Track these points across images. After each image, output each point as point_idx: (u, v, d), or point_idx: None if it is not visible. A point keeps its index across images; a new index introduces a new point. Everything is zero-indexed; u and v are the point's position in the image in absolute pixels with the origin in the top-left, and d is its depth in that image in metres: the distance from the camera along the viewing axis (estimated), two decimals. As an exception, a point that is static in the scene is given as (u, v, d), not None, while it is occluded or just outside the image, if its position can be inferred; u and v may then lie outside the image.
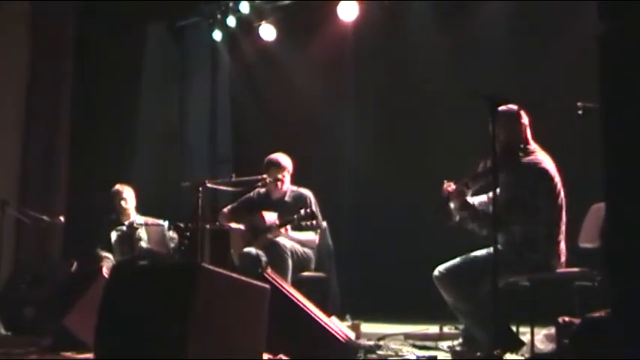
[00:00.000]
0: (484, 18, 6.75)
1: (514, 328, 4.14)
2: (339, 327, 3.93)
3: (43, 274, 5.84)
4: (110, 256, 6.05)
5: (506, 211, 3.93)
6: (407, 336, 4.81)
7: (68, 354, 4.23)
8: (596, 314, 2.97)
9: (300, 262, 5.32)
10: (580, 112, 3.85)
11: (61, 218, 6.43)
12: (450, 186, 4.09)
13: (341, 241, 6.04)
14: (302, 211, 5.17)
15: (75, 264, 5.66)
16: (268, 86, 8.19)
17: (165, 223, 6.05)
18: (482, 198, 4.29)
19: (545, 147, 4.22)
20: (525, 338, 4.02)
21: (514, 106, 4.12)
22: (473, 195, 4.22)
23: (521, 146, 4.14)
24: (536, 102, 4.84)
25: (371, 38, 7.41)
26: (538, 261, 4.00)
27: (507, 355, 3.81)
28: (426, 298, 4.48)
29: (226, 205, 5.95)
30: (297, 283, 4.86)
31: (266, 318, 3.28)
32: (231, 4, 8.07)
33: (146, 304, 3.14)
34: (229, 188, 5.74)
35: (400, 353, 4.10)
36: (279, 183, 5.53)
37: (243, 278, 3.31)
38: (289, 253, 5.19)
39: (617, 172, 2.35)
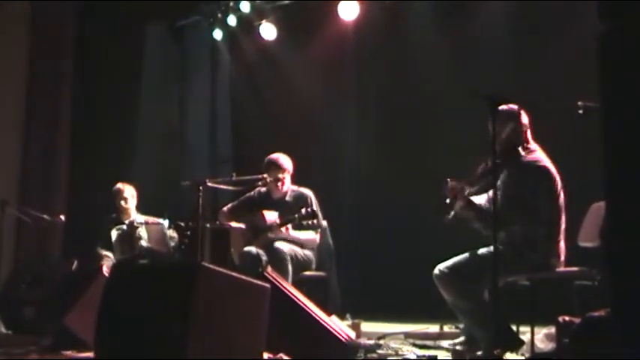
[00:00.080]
0: (484, 18, 6.75)
1: (514, 328, 4.14)
2: (340, 326, 3.93)
3: (43, 273, 5.83)
4: (110, 255, 6.05)
5: (507, 210, 3.93)
6: (407, 335, 4.80)
7: (68, 353, 4.23)
8: (596, 313, 2.97)
9: (301, 265, 5.32)
10: (580, 111, 3.85)
11: (62, 217, 6.43)
12: (455, 185, 4.08)
13: (341, 240, 6.04)
14: (303, 210, 5.17)
15: (75, 263, 5.66)
16: (269, 86, 8.19)
17: (166, 222, 6.04)
18: (484, 197, 4.30)
19: (545, 147, 4.23)
20: (525, 337, 4.02)
21: (514, 106, 4.13)
22: (473, 195, 4.22)
23: (522, 146, 4.15)
24: (536, 102, 4.84)
25: (371, 38, 7.41)
26: (538, 260, 4.01)
27: (507, 355, 3.80)
28: (426, 297, 4.49)
29: (226, 204, 5.95)
30: (298, 283, 4.86)
31: (266, 317, 3.28)
32: (231, 4, 8.07)
33: (146, 304, 3.14)
34: (230, 187, 5.74)
35: (400, 352, 4.09)
36: (279, 183, 5.53)
37: (243, 277, 3.31)
38: (289, 258, 5.19)
39: (617, 172, 2.35)
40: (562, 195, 4.09)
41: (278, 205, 5.51)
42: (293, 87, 7.80)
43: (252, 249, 5.29)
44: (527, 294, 4.04)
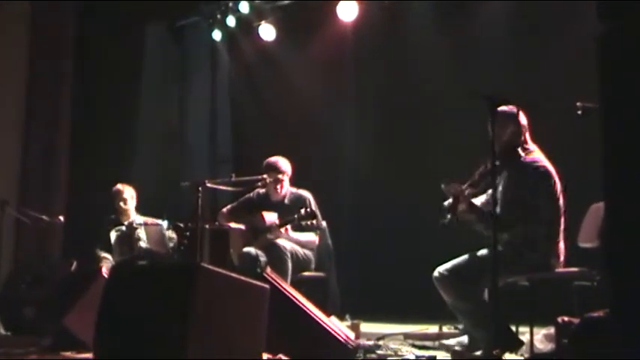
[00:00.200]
0: (484, 18, 6.75)
1: (513, 328, 4.14)
2: (339, 327, 3.93)
3: (43, 274, 5.84)
4: (109, 257, 6.04)
5: (507, 211, 3.93)
6: (406, 336, 4.81)
7: (68, 354, 4.23)
8: (595, 314, 2.96)
9: (300, 264, 5.32)
10: (580, 112, 3.85)
11: (61, 218, 6.43)
12: (456, 188, 4.07)
13: (341, 241, 6.04)
14: (302, 211, 5.17)
15: (75, 264, 5.66)
16: (268, 86, 8.19)
17: (165, 223, 6.04)
18: (483, 198, 4.30)
19: (545, 147, 4.23)
20: (525, 338, 4.02)
21: (514, 107, 4.12)
22: (474, 197, 4.22)
23: (521, 146, 4.15)
24: (536, 102, 4.84)
25: (371, 38, 7.41)
26: (538, 261, 4.01)
27: (507, 355, 3.81)
28: (425, 298, 4.49)
29: (226, 205, 5.95)
30: (297, 283, 4.86)
31: (266, 318, 3.27)
32: (230, 4, 8.07)
33: (146, 304, 3.13)
34: (229, 188, 5.74)
35: (400, 353, 4.09)
36: (278, 186, 5.53)
37: (242, 278, 3.31)
38: (289, 255, 5.19)
39: (616, 172, 2.35)
40: (561, 195, 4.09)
41: (276, 207, 5.51)
42: (292, 87, 7.80)
43: (252, 250, 5.28)
44: (527, 294, 4.04)
